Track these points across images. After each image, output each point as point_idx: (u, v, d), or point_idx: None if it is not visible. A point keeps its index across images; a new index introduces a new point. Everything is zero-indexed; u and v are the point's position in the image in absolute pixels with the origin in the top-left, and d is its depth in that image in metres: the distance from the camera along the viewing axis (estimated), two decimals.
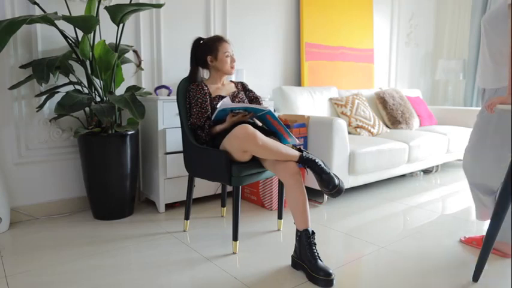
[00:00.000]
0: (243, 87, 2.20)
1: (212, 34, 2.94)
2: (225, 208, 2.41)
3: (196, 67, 2.11)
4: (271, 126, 1.93)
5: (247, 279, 1.60)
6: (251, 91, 2.19)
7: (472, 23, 4.57)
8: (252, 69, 3.25)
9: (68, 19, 1.94)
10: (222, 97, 2.04)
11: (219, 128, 1.95)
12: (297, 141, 1.93)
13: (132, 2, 2.11)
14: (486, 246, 1.55)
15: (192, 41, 2.12)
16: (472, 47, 4.58)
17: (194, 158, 1.98)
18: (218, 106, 1.85)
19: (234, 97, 2.08)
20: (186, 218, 2.13)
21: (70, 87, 2.30)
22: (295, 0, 3.48)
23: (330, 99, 3.41)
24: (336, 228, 2.21)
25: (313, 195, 2.80)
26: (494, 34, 1.67)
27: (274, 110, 3.04)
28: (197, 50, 2.09)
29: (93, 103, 2.14)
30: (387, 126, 3.72)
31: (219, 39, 2.07)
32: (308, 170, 1.69)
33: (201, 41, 2.10)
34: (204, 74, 2.18)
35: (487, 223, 2.25)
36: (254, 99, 2.15)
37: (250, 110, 1.88)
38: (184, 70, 2.84)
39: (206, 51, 2.06)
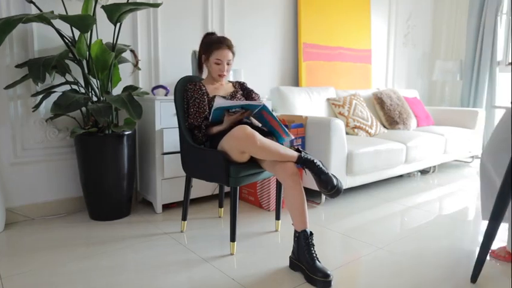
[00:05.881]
0: (241, 86, 2.19)
1: None
2: (222, 209, 2.40)
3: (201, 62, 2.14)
4: (268, 125, 1.92)
5: (245, 281, 1.59)
6: (250, 90, 2.17)
7: (469, 24, 4.58)
8: (250, 70, 3.24)
9: (65, 18, 1.92)
10: (220, 97, 2.04)
11: (216, 129, 1.94)
12: (292, 137, 1.93)
13: (130, 1, 2.10)
14: (484, 247, 1.54)
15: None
16: (468, 48, 4.60)
17: (191, 158, 1.97)
18: (213, 106, 1.85)
19: (232, 97, 2.07)
20: (184, 218, 2.12)
21: (66, 87, 2.28)
22: (292, 0, 3.48)
23: (328, 99, 3.41)
24: (333, 229, 2.21)
25: (311, 195, 2.79)
26: None
27: (272, 111, 3.02)
28: (201, 43, 2.10)
29: (89, 103, 2.13)
30: (385, 126, 3.72)
31: (218, 43, 2.01)
32: (306, 170, 1.68)
33: (209, 36, 2.10)
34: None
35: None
36: (251, 99, 2.14)
37: (245, 107, 1.87)
38: (181, 70, 2.83)
39: (204, 49, 2.08)
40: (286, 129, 1.89)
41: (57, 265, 1.71)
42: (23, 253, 1.84)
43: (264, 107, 1.82)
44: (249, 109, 1.88)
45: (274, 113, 1.85)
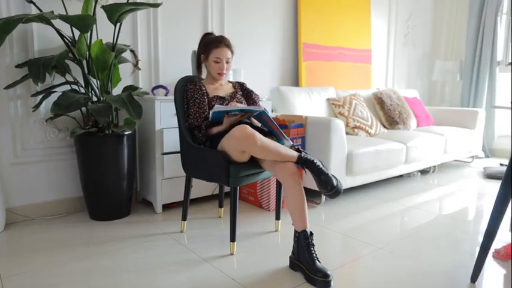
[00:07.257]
0: (240, 87, 2.19)
1: None
2: (222, 209, 2.40)
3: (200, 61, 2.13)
4: (268, 125, 1.92)
5: (245, 281, 1.59)
6: (250, 91, 2.17)
7: (469, 24, 4.58)
8: (250, 69, 3.24)
9: (65, 18, 1.92)
10: (220, 97, 2.04)
11: (215, 129, 1.94)
12: (291, 142, 1.93)
13: (130, 1, 2.10)
14: (484, 247, 1.54)
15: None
16: (468, 47, 4.60)
17: (191, 158, 1.97)
18: (212, 110, 1.85)
19: (231, 98, 2.07)
20: (184, 218, 2.12)
21: (66, 87, 2.28)
22: (292, 0, 3.48)
23: (328, 99, 3.41)
24: (333, 229, 2.21)
25: (311, 196, 2.79)
26: None
27: (272, 111, 3.03)
28: (200, 43, 2.10)
29: (89, 103, 2.13)
30: (385, 126, 3.72)
31: (216, 42, 2.02)
32: (306, 170, 1.68)
33: (207, 36, 2.10)
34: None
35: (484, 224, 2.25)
36: (251, 99, 2.14)
37: (245, 111, 1.87)
38: (181, 70, 2.83)
39: (202, 48, 2.07)
40: (285, 135, 1.89)
41: (57, 265, 1.71)
42: (23, 253, 1.84)
43: (264, 112, 1.82)
44: (249, 111, 1.88)
45: (273, 114, 1.85)
